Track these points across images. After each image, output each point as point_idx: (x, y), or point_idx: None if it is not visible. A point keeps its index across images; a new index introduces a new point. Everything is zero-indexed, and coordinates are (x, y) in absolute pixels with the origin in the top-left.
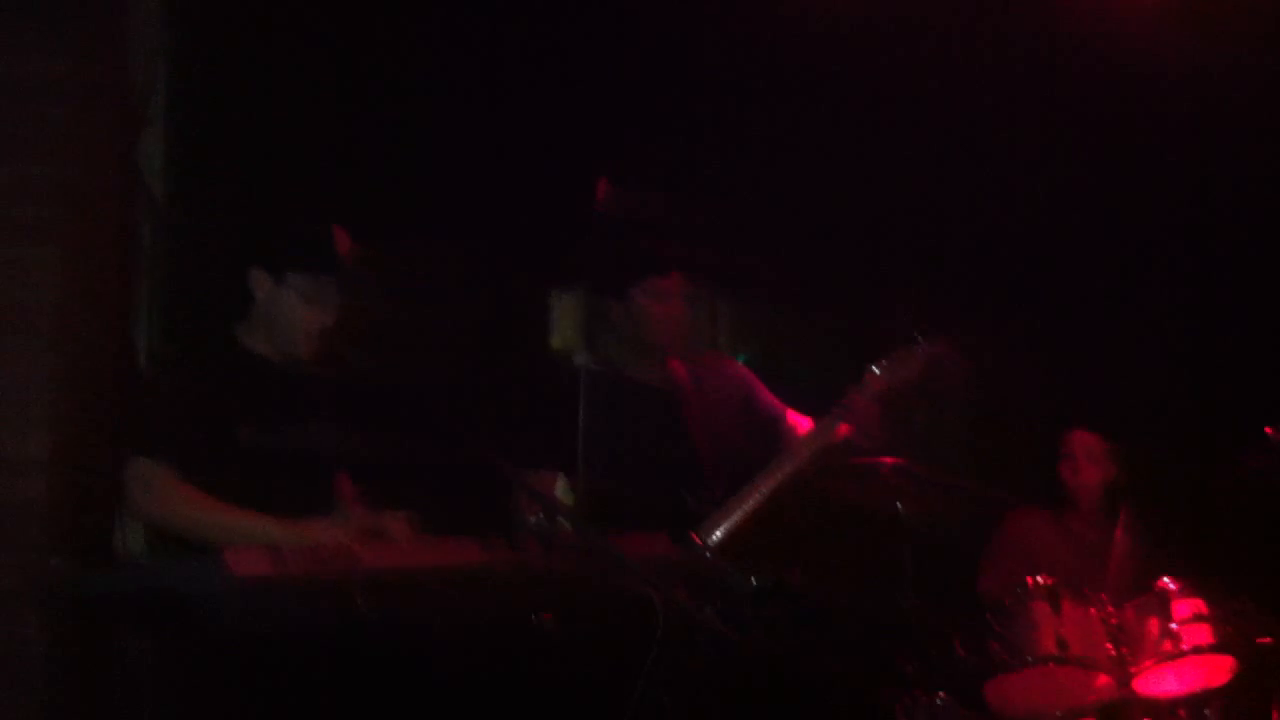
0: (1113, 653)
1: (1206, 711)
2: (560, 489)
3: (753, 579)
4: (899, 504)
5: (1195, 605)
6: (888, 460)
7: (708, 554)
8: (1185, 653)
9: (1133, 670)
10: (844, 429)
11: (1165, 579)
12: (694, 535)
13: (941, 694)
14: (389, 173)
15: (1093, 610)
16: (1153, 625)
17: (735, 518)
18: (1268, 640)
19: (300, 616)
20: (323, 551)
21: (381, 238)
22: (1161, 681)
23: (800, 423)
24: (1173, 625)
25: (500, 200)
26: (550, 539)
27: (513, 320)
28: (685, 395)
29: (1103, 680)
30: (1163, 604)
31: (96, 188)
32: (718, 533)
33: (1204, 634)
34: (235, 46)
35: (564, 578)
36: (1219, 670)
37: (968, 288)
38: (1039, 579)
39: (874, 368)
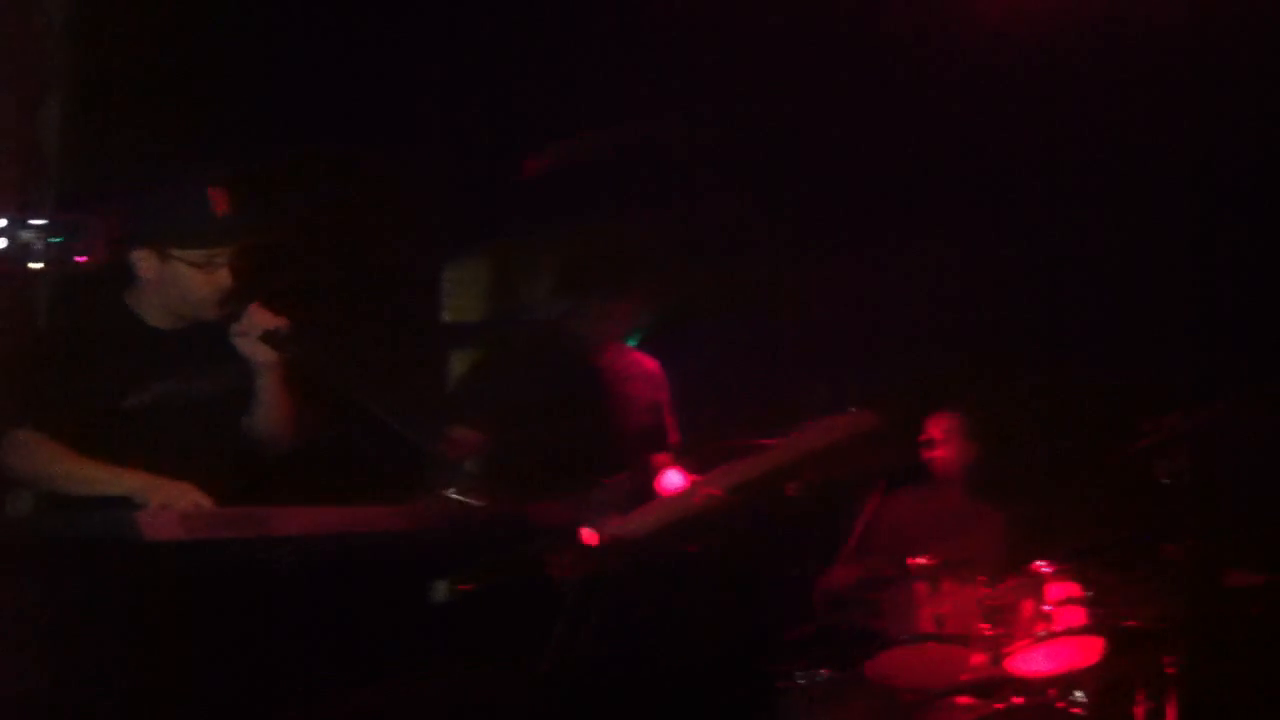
0: (988, 632)
1: (1076, 691)
2: (473, 457)
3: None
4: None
5: (1068, 588)
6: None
7: None
8: (1057, 634)
9: (1005, 650)
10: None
11: (1040, 562)
12: None
13: (824, 669)
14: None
15: (970, 590)
16: (1027, 606)
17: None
18: (1135, 623)
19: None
20: (232, 515)
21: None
22: (1033, 661)
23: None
24: (1045, 607)
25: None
26: (457, 506)
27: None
28: (615, 380)
29: (977, 658)
30: (1037, 586)
31: None
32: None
33: (1076, 616)
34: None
35: (467, 542)
36: (1089, 651)
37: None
38: (921, 560)
39: (799, 429)
